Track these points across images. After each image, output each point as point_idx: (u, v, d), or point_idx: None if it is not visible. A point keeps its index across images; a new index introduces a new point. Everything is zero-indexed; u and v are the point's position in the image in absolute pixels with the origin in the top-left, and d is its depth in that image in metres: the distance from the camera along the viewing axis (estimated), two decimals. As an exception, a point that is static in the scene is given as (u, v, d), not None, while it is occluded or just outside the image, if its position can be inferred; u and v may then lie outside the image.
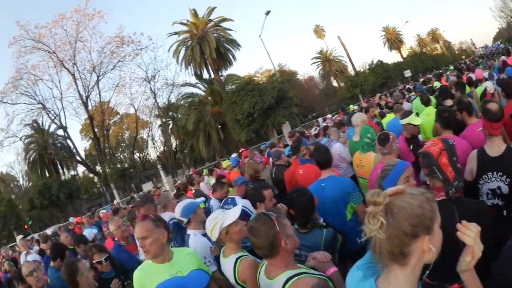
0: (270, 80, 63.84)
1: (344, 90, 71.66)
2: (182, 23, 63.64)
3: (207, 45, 58.47)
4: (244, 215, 5.04)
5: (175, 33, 63.52)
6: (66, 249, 8.20)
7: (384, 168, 4.75)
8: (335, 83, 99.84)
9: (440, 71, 51.04)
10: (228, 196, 8.74)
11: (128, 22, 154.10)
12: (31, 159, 71.48)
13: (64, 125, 63.88)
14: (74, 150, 69.61)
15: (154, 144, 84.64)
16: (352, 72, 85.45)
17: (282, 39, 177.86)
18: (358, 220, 6.17)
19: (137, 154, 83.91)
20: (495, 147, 4.95)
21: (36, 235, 34.37)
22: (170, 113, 70.30)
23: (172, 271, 4.41)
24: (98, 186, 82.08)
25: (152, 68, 66.99)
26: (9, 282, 11.50)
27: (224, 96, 55.21)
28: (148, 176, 72.11)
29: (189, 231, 6.11)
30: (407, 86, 34.81)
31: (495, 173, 4.81)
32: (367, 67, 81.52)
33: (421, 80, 32.88)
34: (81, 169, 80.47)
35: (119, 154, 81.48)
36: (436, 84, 20.22)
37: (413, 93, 23.61)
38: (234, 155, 19.19)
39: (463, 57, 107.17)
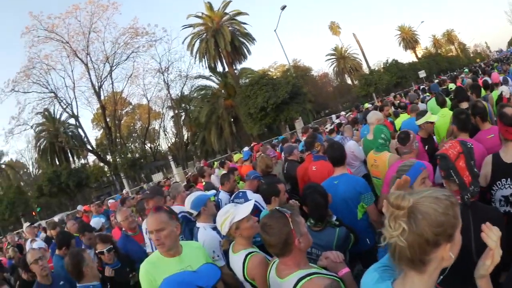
0: (284, 75, 63.79)
1: (358, 88, 71.31)
2: (197, 16, 63.74)
3: (222, 38, 58.66)
4: (255, 210, 4.97)
5: (190, 26, 63.68)
6: (72, 237, 8.13)
7: (400, 168, 4.69)
8: (349, 81, 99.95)
9: (455, 73, 50.81)
10: (240, 190, 8.69)
11: (143, 13, 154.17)
12: (41, 147, 71.88)
13: (76, 114, 64.00)
14: (85, 139, 69.60)
15: (165, 135, 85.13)
16: (367, 70, 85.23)
17: (297, 35, 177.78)
18: (369, 220, 6.09)
19: (148, 145, 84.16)
20: (510, 153, 4.79)
21: (43, 222, 34.56)
22: (183, 105, 70.34)
23: (182, 265, 4.28)
24: (108, 175, 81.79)
25: (166, 60, 68.56)
26: (13, 269, 11.39)
27: (238, 90, 55.33)
28: (158, 167, 72.40)
29: (198, 224, 6.04)
30: (422, 87, 34.50)
31: (509, 179, 4.67)
32: (382, 66, 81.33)
33: (436, 81, 32.67)
34: (91, 158, 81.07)
35: (130, 144, 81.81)
36: (451, 86, 20.09)
37: (427, 94, 23.39)
38: (246, 148, 19.23)
39: (478, 60, 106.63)
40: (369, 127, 9.79)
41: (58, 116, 69.17)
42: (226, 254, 5.18)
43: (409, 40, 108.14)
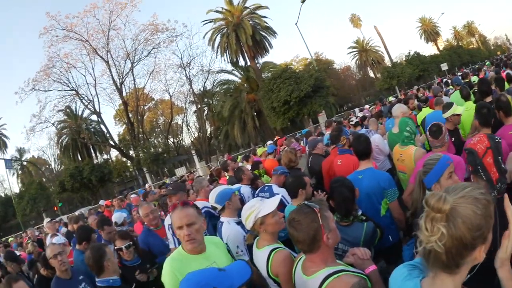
0: (306, 69, 65.31)
1: (380, 81, 71.06)
2: (217, 11, 64.11)
3: (243, 32, 58.96)
4: (279, 204, 4.76)
5: (210, 21, 63.99)
6: (92, 232, 8.06)
7: (426, 162, 4.53)
8: (371, 74, 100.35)
9: (477, 66, 50.48)
10: (265, 184, 8.63)
11: (162, 10, 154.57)
12: (63, 144, 73.42)
13: (98, 110, 64.74)
14: (108, 135, 70.64)
15: (188, 129, 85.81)
16: (389, 63, 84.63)
17: (318, 28, 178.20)
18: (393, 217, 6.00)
19: (171, 139, 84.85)
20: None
21: (64, 217, 34.78)
22: (206, 100, 71.08)
23: (208, 262, 4.14)
24: (130, 170, 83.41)
25: (187, 55, 68.64)
26: (32, 264, 11.33)
27: (261, 84, 55.84)
28: (181, 161, 72.79)
29: (222, 219, 5.98)
30: (445, 80, 34.24)
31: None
32: (404, 59, 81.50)
33: (459, 74, 32.39)
34: (114, 153, 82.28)
35: (153, 139, 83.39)
36: (474, 79, 19.84)
37: (450, 87, 23.14)
38: (270, 142, 19.12)
39: (498, 53, 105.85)
40: (394, 120, 9.74)
41: (80, 113, 70.54)
42: (250, 249, 5.11)
43: (430, 32, 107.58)
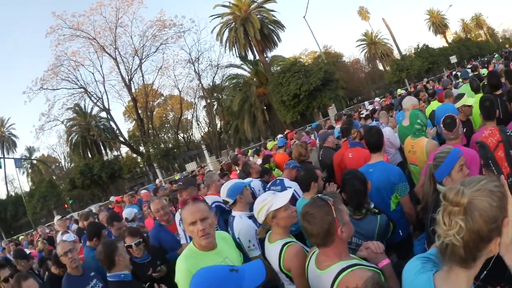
0: (315, 62, 65.41)
1: (389, 74, 71.28)
2: (224, 6, 64.33)
3: (251, 26, 59.33)
4: (291, 198, 4.71)
5: (218, 16, 64.25)
6: (103, 228, 8.05)
7: (437, 155, 4.54)
8: (380, 67, 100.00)
9: (486, 58, 50.36)
10: (277, 178, 8.63)
11: (169, 5, 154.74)
12: (73, 141, 73.86)
13: (107, 107, 65.12)
14: (117, 131, 71.15)
15: (198, 124, 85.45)
16: (398, 56, 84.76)
17: (326, 21, 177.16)
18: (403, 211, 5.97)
19: (181, 135, 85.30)
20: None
21: (75, 214, 35.06)
22: (215, 94, 70.88)
23: (221, 258, 4.10)
24: (141, 165, 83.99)
25: (195, 50, 69.15)
26: (42, 261, 11.30)
27: (270, 77, 55.92)
28: (192, 156, 73.06)
29: (234, 213, 5.98)
30: (454, 73, 34.15)
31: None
32: (413, 51, 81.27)
33: (469, 67, 32.31)
34: (124, 149, 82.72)
35: (163, 134, 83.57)
36: (484, 71, 19.73)
37: (460, 80, 23.08)
38: (280, 136, 19.11)
39: (507, 45, 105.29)
40: (404, 113, 9.62)
41: (89, 111, 71.01)
42: (262, 243, 5.07)
43: (438, 24, 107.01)
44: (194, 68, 66.72)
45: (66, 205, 59.61)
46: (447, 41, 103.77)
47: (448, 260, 2.10)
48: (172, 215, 7.94)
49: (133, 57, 63.31)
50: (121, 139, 71.02)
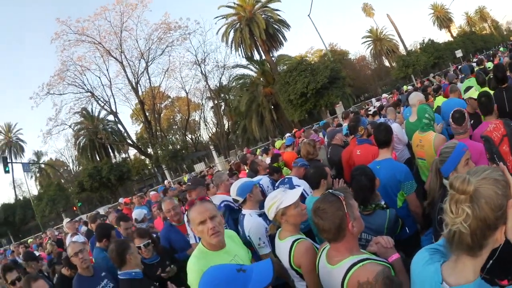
0: (322, 60, 65.29)
1: (396, 70, 71.08)
2: (229, 6, 64.28)
3: (256, 26, 59.32)
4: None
5: (223, 17, 64.26)
6: (112, 229, 8.04)
7: (442, 151, 4.58)
8: (387, 63, 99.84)
9: (491, 52, 50.26)
10: (285, 176, 8.70)
11: (173, 8, 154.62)
12: (81, 145, 74.13)
13: (115, 110, 65.46)
14: (125, 134, 71.20)
15: (206, 125, 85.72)
16: (404, 52, 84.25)
17: (331, 18, 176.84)
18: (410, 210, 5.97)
19: (189, 136, 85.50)
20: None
21: (84, 216, 35.13)
22: (222, 95, 71.15)
23: (230, 256, 4.09)
24: (149, 167, 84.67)
25: (201, 52, 69.44)
26: (51, 263, 11.31)
27: (277, 77, 55.89)
28: (200, 157, 73.85)
29: (244, 211, 6.00)
30: (460, 67, 34.10)
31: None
32: (418, 47, 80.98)
33: (474, 60, 32.27)
34: (132, 151, 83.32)
35: (171, 136, 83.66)
36: (489, 65, 19.70)
37: (464, 74, 23.10)
38: (288, 135, 19.20)
39: (511, 38, 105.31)
40: (411, 109, 9.64)
41: (96, 114, 71.02)
42: (272, 240, 5.09)
43: (442, 18, 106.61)
44: (201, 70, 67.08)
45: (75, 208, 59.98)
46: (452, 35, 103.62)
47: (455, 249, 2.14)
48: (183, 215, 7.89)
49: (139, 60, 63.65)
50: (129, 141, 71.47)
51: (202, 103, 78.48)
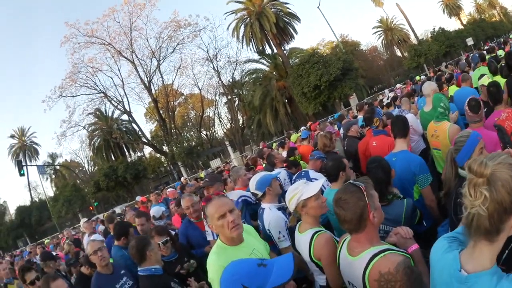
0: (334, 52, 65.34)
1: (408, 60, 71.40)
2: (238, 1, 64.24)
3: (266, 20, 59.23)
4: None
5: (232, 12, 64.20)
6: (130, 226, 8.11)
7: (457, 140, 4.61)
8: (398, 53, 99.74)
9: (501, 39, 50.04)
10: (302, 169, 8.75)
11: (182, 6, 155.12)
12: (95, 145, 74.35)
13: (128, 110, 65.53)
14: (140, 133, 71.63)
15: (220, 121, 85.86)
16: (415, 41, 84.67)
17: (340, 9, 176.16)
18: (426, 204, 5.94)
19: (204, 132, 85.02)
20: None
21: (101, 216, 35.17)
22: (235, 90, 70.94)
23: (249, 251, 4.09)
24: (165, 165, 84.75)
25: (213, 48, 68.08)
26: (68, 264, 11.33)
27: (289, 70, 55.62)
28: (215, 153, 74.00)
29: (263, 205, 6.01)
30: (471, 55, 33.95)
31: None
32: (429, 35, 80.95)
33: (486, 48, 32.16)
34: (147, 150, 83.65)
35: (185, 133, 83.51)
36: (500, 52, 19.56)
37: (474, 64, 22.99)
38: (303, 128, 19.28)
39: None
40: (425, 99, 9.62)
41: (110, 114, 71.42)
42: (291, 234, 5.14)
43: (452, 6, 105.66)
44: (213, 66, 66.78)
45: (91, 208, 60.77)
46: (462, 23, 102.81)
47: (474, 234, 2.20)
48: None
49: (151, 59, 63.66)
50: (144, 140, 71.79)
51: (216, 99, 78.37)
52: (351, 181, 3.56)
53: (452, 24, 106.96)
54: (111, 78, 62.78)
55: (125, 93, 64.29)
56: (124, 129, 75.32)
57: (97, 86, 62.14)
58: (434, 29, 77.80)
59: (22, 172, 48.74)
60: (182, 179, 30.15)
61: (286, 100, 62.73)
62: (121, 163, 59.65)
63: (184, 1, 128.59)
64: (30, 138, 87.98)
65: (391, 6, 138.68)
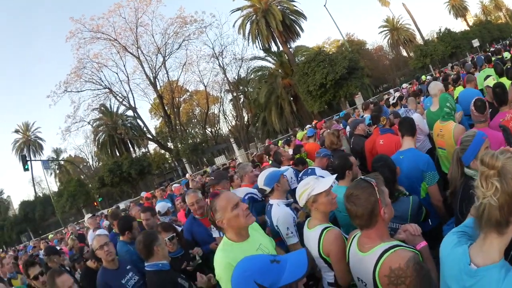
0: (339, 50, 65.55)
1: (414, 60, 71.30)
2: (243, -2, 63.49)
3: (272, 18, 59.26)
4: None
5: (238, 9, 64.20)
6: (133, 220, 8.06)
7: (463, 139, 4.62)
8: (404, 53, 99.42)
9: (507, 41, 50.03)
10: (308, 167, 8.69)
11: (188, 2, 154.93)
12: (100, 141, 74.66)
13: (133, 106, 65.63)
14: (145, 129, 71.69)
15: (225, 118, 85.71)
16: (421, 41, 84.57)
17: (347, 8, 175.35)
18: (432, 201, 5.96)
19: (209, 129, 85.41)
20: None
21: (105, 211, 35.23)
22: (241, 87, 70.69)
23: (255, 246, 4.04)
24: (169, 161, 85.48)
25: (218, 45, 67.81)
26: (72, 259, 11.31)
27: (295, 68, 55.60)
28: (220, 150, 74.63)
29: (271, 201, 6.01)
30: (476, 57, 33.97)
31: None
32: (435, 36, 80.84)
33: (491, 50, 32.12)
34: (151, 146, 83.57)
35: (190, 129, 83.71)
36: (506, 54, 19.59)
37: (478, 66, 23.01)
38: (308, 126, 19.26)
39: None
40: (431, 99, 9.63)
41: (115, 110, 71.71)
42: (299, 231, 5.16)
43: (458, 7, 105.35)
44: (219, 63, 66.56)
45: (95, 203, 60.65)
46: (468, 24, 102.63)
47: (484, 225, 2.28)
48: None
49: (156, 55, 63.70)
50: (149, 136, 71.85)
51: (221, 96, 78.04)
52: (362, 177, 3.59)
53: (458, 25, 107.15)
54: (117, 73, 63.02)
55: (130, 88, 64.49)
56: (129, 125, 75.44)
57: (102, 81, 62.34)
58: (440, 29, 77.82)
59: (26, 167, 48.72)
60: (187, 175, 30.16)
61: (292, 98, 62.55)
62: (126, 158, 60.05)
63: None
64: (34, 133, 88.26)
65: (398, 6, 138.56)
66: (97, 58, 61.17)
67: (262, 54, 67.01)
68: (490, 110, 6.86)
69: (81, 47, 59.62)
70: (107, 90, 63.03)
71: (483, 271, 2.25)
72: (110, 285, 6.08)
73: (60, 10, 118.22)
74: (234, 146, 56.70)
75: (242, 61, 68.00)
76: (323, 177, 5.44)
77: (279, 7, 61.41)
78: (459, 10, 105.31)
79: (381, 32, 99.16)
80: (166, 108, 66.70)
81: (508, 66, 11.18)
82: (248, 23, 63.50)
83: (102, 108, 69.29)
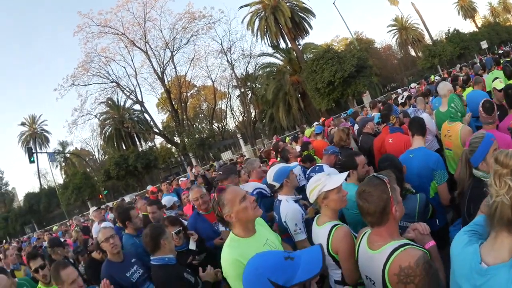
0: (348, 49, 65.15)
1: (422, 60, 71.17)
2: (252, -6, 63.55)
3: (281, 14, 59.06)
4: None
5: (247, 5, 64.12)
6: (130, 209, 8.02)
7: (472, 141, 4.63)
8: (412, 53, 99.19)
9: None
10: (316, 164, 8.65)
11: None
12: (107, 134, 74.94)
13: (141, 100, 65.61)
14: (152, 123, 71.91)
15: (233, 114, 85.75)
16: (429, 41, 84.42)
17: (356, 6, 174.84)
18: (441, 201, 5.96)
19: (216, 124, 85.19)
20: None
21: (110, 204, 35.26)
22: (249, 84, 70.61)
23: (262, 241, 4.02)
24: (176, 156, 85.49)
25: (227, 40, 69.03)
26: (76, 251, 11.29)
27: (303, 65, 55.63)
28: (226, 146, 74.90)
29: (280, 197, 6.02)
30: (484, 58, 33.91)
31: None
32: (444, 36, 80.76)
33: (501, 52, 32.09)
34: (158, 140, 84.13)
35: (197, 124, 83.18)
36: (515, 57, 19.51)
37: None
38: (316, 123, 19.42)
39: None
40: (440, 99, 9.62)
41: (122, 104, 71.91)
42: (307, 227, 5.20)
43: (467, 8, 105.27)
44: (227, 58, 66.50)
45: (100, 196, 61.25)
46: (476, 25, 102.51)
47: (496, 224, 2.30)
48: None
49: (164, 50, 63.57)
50: (156, 130, 72.01)
51: (229, 92, 78.12)
52: (374, 174, 3.59)
53: (467, 26, 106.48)
54: (124, 68, 63.95)
55: (137, 83, 64.39)
56: (135, 118, 75.64)
57: (110, 75, 62.26)
58: (448, 30, 77.78)
59: (32, 159, 48.93)
60: (194, 170, 30.19)
61: (299, 95, 62.54)
62: (132, 152, 60.35)
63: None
64: (41, 126, 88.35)
65: (407, 5, 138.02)
66: (104, 52, 61.24)
67: (270, 50, 67.12)
68: (499, 112, 6.89)
69: (89, 41, 59.64)
70: (114, 84, 63.00)
71: (493, 270, 2.26)
72: (115, 277, 6.02)
73: (69, 4, 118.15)
74: (241, 141, 56.86)
75: (250, 57, 68.08)
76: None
77: (288, 4, 61.33)
78: (468, 11, 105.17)
79: (390, 31, 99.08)
80: (173, 103, 66.56)
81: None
82: (257, 19, 63.43)
83: (109, 101, 69.38)
